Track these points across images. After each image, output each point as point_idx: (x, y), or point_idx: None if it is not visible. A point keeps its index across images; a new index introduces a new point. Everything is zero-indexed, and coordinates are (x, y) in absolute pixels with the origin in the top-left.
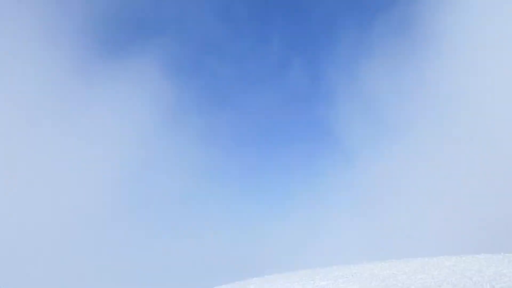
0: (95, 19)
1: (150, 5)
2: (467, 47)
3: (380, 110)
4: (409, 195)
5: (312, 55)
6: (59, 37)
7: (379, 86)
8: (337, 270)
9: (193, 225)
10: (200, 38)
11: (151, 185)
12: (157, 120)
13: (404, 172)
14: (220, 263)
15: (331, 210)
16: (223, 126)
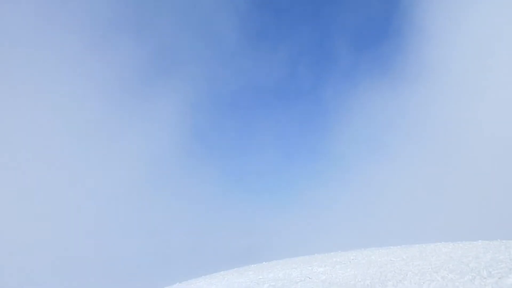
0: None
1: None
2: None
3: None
4: (407, 186)
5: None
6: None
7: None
8: (335, 256)
9: (197, 219)
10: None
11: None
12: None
13: (401, 167)
14: (220, 252)
15: (330, 203)
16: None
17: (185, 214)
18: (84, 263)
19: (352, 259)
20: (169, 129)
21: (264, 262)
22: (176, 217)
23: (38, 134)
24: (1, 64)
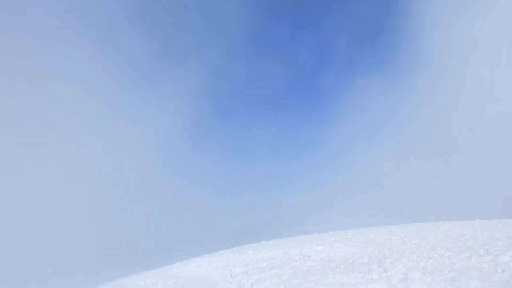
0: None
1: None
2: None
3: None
4: (405, 167)
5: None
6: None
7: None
8: (334, 235)
9: (198, 199)
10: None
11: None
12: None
13: (399, 151)
14: (220, 231)
15: (330, 185)
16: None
17: (186, 195)
18: (84, 243)
19: (351, 237)
20: (176, 114)
21: (263, 241)
22: (177, 197)
23: (54, 121)
24: (10, 62)
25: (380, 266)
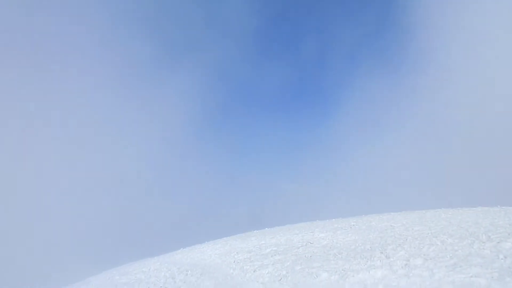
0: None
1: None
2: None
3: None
4: (408, 155)
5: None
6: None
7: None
8: (336, 222)
9: (201, 187)
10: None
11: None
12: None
13: (401, 139)
14: (224, 219)
15: (332, 173)
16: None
17: (189, 182)
18: (90, 231)
19: (353, 225)
20: (180, 108)
21: (266, 228)
22: (180, 185)
23: (64, 115)
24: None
25: (382, 252)
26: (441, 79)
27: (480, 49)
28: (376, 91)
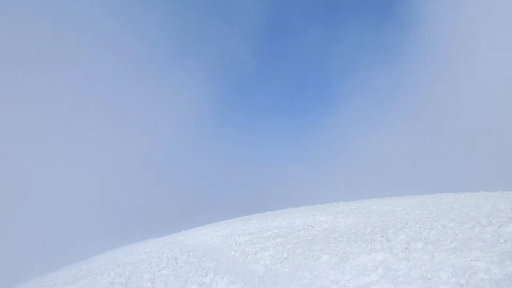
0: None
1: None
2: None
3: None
4: (411, 141)
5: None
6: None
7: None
8: (337, 206)
9: (204, 170)
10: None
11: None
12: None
13: (403, 126)
14: (225, 201)
15: (334, 159)
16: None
17: (193, 165)
18: (95, 210)
19: (354, 208)
20: (188, 103)
21: (268, 212)
22: (184, 168)
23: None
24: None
25: (383, 236)
26: (441, 73)
27: (481, 48)
28: (381, 79)
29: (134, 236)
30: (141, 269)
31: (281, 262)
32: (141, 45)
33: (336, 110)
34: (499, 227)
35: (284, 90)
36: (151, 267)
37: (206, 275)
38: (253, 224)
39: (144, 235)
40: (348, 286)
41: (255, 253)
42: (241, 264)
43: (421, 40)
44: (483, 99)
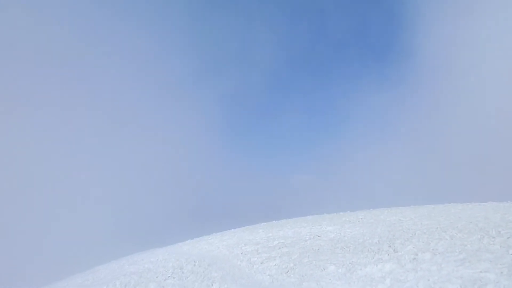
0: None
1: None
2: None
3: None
4: (418, 151)
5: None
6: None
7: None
8: (344, 216)
9: (211, 179)
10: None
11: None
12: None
13: (410, 136)
14: (231, 211)
15: (341, 167)
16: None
17: (200, 174)
18: (103, 218)
19: (361, 218)
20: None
21: (274, 221)
22: (190, 176)
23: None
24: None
25: (390, 246)
26: (441, 79)
27: (482, 48)
28: (385, 88)
29: (140, 246)
30: (147, 278)
31: (287, 272)
32: (148, 47)
33: (343, 120)
34: (508, 238)
35: (293, 99)
36: (157, 277)
37: (212, 284)
38: (259, 233)
39: (149, 244)
40: None
41: (261, 263)
42: (247, 274)
43: (429, 44)
44: (493, 109)
